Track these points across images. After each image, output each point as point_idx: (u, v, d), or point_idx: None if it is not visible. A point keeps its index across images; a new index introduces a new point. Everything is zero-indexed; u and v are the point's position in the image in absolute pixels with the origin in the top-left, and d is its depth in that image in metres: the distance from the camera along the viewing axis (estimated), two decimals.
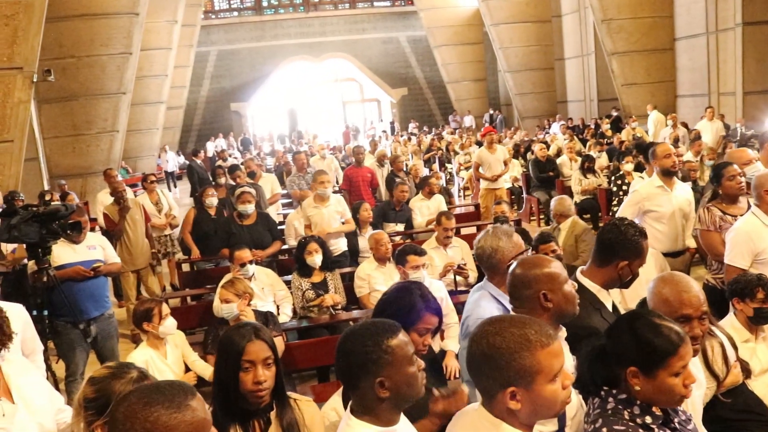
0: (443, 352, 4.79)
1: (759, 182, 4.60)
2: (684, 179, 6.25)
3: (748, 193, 4.98)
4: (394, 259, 5.30)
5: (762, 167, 5.79)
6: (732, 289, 3.97)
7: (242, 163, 11.96)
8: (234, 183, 9.09)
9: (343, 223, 7.46)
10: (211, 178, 11.34)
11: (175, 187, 22.32)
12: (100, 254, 5.54)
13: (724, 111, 16.00)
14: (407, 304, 2.69)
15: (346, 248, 7.45)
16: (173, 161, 22.82)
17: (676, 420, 2.14)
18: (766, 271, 4.31)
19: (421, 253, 5.00)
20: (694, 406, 2.48)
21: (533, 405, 1.84)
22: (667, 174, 5.62)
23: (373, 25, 31.28)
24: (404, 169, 10.77)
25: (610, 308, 2.96)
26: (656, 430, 2.05)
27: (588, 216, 10.62)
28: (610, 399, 2.12)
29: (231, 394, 2.44)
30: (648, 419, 2.06)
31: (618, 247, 2.98)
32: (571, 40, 23.83)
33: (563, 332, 2.59)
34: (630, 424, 2.04)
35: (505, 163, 10.95)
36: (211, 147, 24.84)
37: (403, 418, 2.11)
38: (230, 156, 19.52)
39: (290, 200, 10.53)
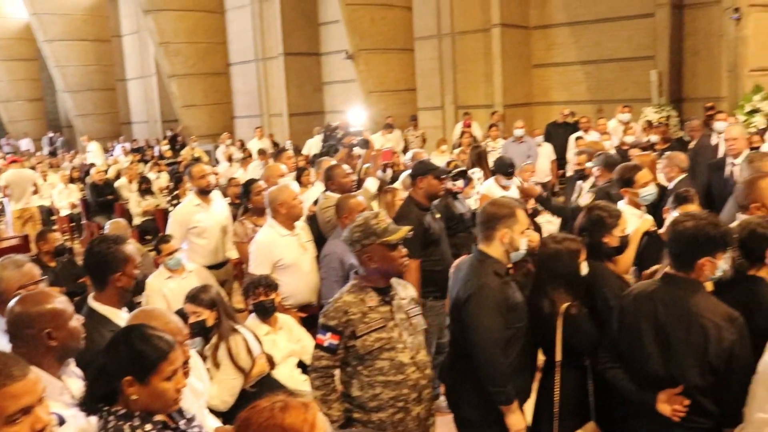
0: None
1: (271, 198, 5.05)
2: (224, 194, 6.80)
3: None
4: None
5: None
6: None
7: None
8: None
9: None
10: None
11: None
12: None
13: (275, 131, 17.66)
14: None
15: None
16: None
17: (180, 422, 2.25)
18: (285, 275, 4.84)
19: None
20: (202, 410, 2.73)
21: None
22: (203, 192, 6.09)
23: None
24: None
25: (122, 325, 3.10)
26: None
27: (150, 237, 10.71)
28: (111, 417, 2.14)
29: None
30: (148, 427, 2.12)
31: (111, 264, 3.10)
32: (132, 61, 23.65)
33: (72, 366, 2.57)
34: None
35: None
36: None
37: None
38: None
39: None
